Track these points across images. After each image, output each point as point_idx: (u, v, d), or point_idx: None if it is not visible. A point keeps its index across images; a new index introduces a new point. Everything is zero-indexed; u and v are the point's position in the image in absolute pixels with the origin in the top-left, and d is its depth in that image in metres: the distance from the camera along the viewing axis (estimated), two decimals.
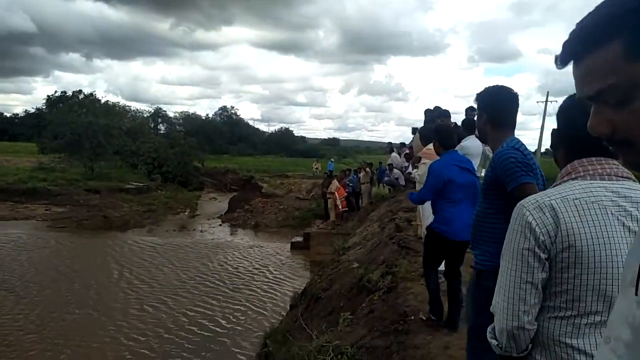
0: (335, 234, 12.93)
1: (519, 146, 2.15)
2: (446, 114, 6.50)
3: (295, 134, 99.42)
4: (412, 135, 10.31)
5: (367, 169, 15.62)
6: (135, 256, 14.13)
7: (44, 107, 38.98)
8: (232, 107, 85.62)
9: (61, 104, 36.89)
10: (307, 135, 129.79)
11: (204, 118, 74.33)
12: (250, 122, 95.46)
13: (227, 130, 72.62)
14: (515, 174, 2.03)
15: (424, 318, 3.77)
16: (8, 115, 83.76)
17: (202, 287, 11.30)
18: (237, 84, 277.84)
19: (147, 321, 9.07)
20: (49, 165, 33.39)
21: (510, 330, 1.27)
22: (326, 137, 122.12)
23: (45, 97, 40.81)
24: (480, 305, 1.88)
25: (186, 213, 26.43)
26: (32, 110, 46.21)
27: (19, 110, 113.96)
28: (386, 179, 15.97)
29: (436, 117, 6.25)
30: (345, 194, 14.65)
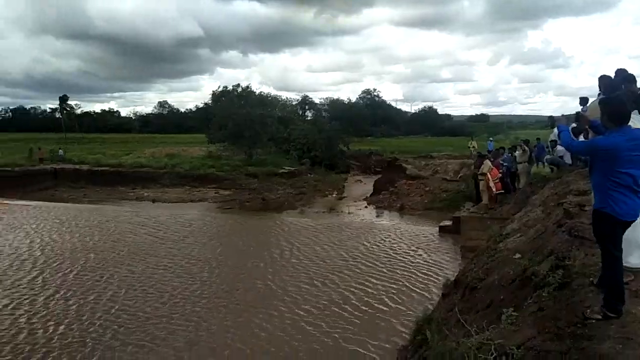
0: (489, 218, 12.06)
1: None
2: (631, 78, 5.43)
3: (440, 112, 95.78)
4: (581, 106, 8.97)
5: (525, 147, 14.17)
6: (296, 235, 15.16)
7: (210, 101, 43.84)
8: (374, 90, 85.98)
9: (223, 98, 41.15)
10: (453, 113, 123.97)
11: (347, 102, 75.83)
12: (393, 103, 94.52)
13: (370, 113, 73.13)
14: None
15: (600, 317, 3.24)
16: (182, 110, 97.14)
17: (361, 265, 11.63)
18: (378, 66, 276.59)
19: (316, 294, 9.69)
20: (216, 154, 37.75)
21: None
22: (473, 114, 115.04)
23: (211, 92, 45.94)
24: None
25: (334, 195, 27.43)
26: (201, 105, 52.28)
27: (191, 105, 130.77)
28: (547, 157, 14.30)
29: (619, 83, 5.24)
30: (500, 174, 13.50)
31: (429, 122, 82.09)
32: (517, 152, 14.70)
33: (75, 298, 9.62)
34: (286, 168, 35.84)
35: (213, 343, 7.83)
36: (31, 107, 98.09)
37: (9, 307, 9.16)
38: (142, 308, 9.10)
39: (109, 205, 23.80)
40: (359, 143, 50.42)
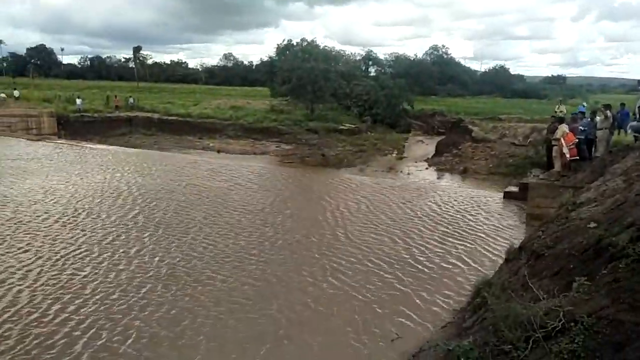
0: (561, 186, 11.48)
1: None
2: None
3: (512, 72, 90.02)
4: None
5: (607, 112, 13.15)
6: (357, 192, 15.32)
7: (274, 55, 43.85)
8: (443, 46, 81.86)
9: (288, 52, 40.98)
10: (526, 73, 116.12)
11: (412, 59, 73.01)
12: (462, 61, 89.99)
13: (436, 71, 70.19)
14: None
15: None
16: (247, 63, 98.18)
17: (422, 226, 11.63)
18: (449, 21, 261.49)
19: (375, 250, 9.90)
20: (279, 108, 38.19)
21: None
22: (549, 75, 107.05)
23: (275, 46, 45.89)
24: None
25: (394, 155, 27.10)
26: (266, 59, 52.49)
27: (255, 59, 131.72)
28: (632, 123, 13.24)
29: None
30: (576, 140, 12.68)
31: (500, 82, 77.58)
32: (597, 117, 13.69)
33: (173, 237, 10.42)
34: (347, 125, 35.67)
35: (295, 281, 8.34)
36: (107, 57, 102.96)
37: (118, 241, 10.08)
38: (237, 248, 9.72)
39: (179, 153, 25.01)
40: (423, 102, 48.89)
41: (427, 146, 31.14)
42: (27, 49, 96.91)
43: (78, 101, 33.90)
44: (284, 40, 44.51)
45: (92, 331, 6.55)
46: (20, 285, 7.83)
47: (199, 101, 43.21)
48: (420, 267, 9.07)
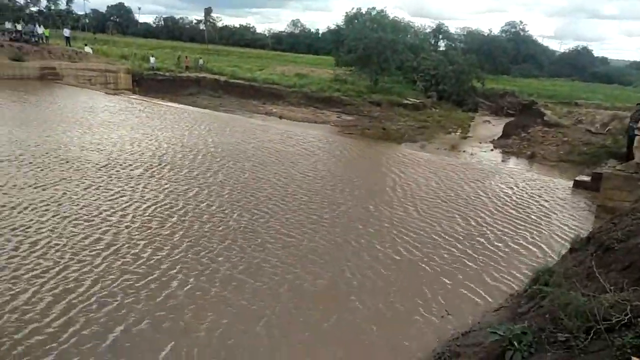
0: None
1: None
2: None
3: (595, 54, 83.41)
4: None
5: None
6: (418, 168, 15.14)
7: (342, 23, 43.21)
8: (521, 22, 77.04)
9: (356, 20, 40.24)
10: (611, 56, 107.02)
11: (486, 35, 69.34)
12: (539, 40, 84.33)
13: (511, 48, 66.41)
14: None
15: None
16: (313, 31, 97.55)
17: (484, 207, 11.36)
18: None
19: (444, 226, 9.87)
20: (342, 78, 37.90)
21: None
22: (637, 60, 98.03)
23: (344, 14, 45.16)
24: None
25: (458, 133, 26.32)
26: (333, 27, 51.85)
27: (323, 26, 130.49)
28: None
29: None
30: None
31: (580, 64, 72.22)
32: None
33: (250, 195, 10.83)
34: (411, 99, 34.91)
35: (365, 248, 8.55)
36: (179, 18, 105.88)
37: (201, 195, 10.70)
38: (311, 212, 10.05)
39: (244, 116, 25.63)
40: (494, 81, 46.69)
41: (493, 127, 29.94)
42: (108, 7, 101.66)
43: (152, 60, 35.39)
44: (352, 9, 43.70)
45: (184, 273, 7.07)
46: (118, 226, 8.51)
47: (265, 66, 43.77)
48: (478, 249, 8.90)
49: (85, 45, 36.35)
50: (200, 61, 39.46)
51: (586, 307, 3.60)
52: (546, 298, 5.15)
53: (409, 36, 44.17)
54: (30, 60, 28.68)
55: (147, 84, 32.15)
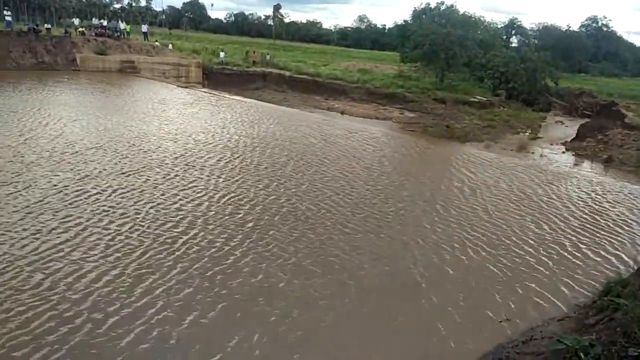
0: None
1: None
2: None
3: None
4: None
5: None
6: (481, 170, 14.72)
7: (410, 18, 42.51)
8: (604, 17, 71.73)
9: (424, 15, 39.43)
10: None
11: (564, 30, 65.30)
12: (624, 36, 78.17)
13: (591, 45, 62.15)
14: None
15: None
16: (379, 26, 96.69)
17: (548, 210, 10.89)
18: None
19: (516, 229, 9.60)
20: (407, 74, 37.33)
21: None
22: None
23: (412, 9, 44.37)
24: None
25: (527, 134, 25.09)
26: (400, 22, 51.11)
27: (389, 22, 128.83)
28: None
29: None
30: None
31: None
32: None
33: (317, 189, 11.15)
34: (477, 97, 33.74)
35: (431, 245, 8.60)
36: (249, 14, 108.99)
37: (271, 187, 11.20)
38: (377, 208, 10.22)
39: (308, 111, 25.98)
40: (569, 79, 44.01)
41: (566, 128, 28.27)
42: (183, 4, 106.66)
43: (221, 54, 36.75)
44: (421, 4, 42.82)
45: (254, 257, 7.53)
46: (194, 212, 9.06)
47: (329, 62, 44.03)
48: (548, 255, 8.54)
49: (170, 42, 38.50)
50: (268, 56, 40.38)
51: None
52: (619, 310, 4.90)
53: (479, 32, 42.59)
54: (112, 54, 30.79)
55: (216, 78, 33.42)
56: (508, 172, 14.58)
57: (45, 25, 34.20)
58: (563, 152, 20.98)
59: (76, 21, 37.05)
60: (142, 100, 21.25)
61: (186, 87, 27.48)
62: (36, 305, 5.82)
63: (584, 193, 12.88)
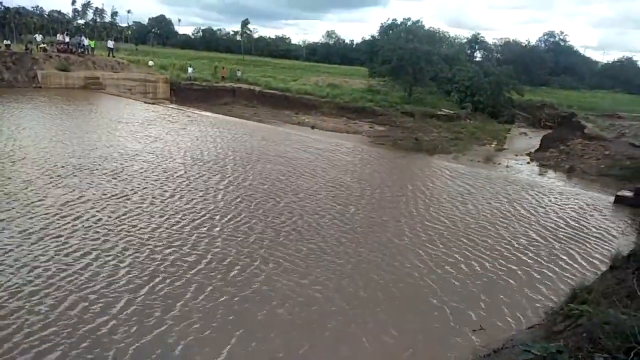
0: None
1: None
2: None
3: None
4: None
5: None
6: (450, 181, 14.95)
7: (377, 34, 43.34)
8: (561, 32, 75.02)
9: (391, 31, 40.27)
10: None
11: (524, 45, 67.89)
12: (581, 50, 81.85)
13: (550, 59, 64.72)
14: None
15: None
16: (348, 42, 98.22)
17: (518, 223, 11.07)
18: (573, 4, 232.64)
19: (479, 242, 9.67)
20: (376, 88, 37.87)
21: None
22: None
23: (379, 25, 45.26)
24: None
25: (493, 145, 25.74)
26: (368, 38, 52.02)
27: (358, 37, 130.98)
28: None
29: None
30: None
31: (624, 76, 69.58)
32: None
33: (302, 201, 11.08)
34: (445, 110, 34.51)
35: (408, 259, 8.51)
36: (217, 29, 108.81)
37: (262, 202, 10.99)
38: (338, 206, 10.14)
39: (281, 127, 25.88)
40: (532, 92, 45.62)
41: (530, 139, 29.17)
42: (149, 19, 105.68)
43: (190, 70, 36.41)
44: (388, 20, 43.90)
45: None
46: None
47: (299, 77, 44.26)
48: (516, 265, 8.65)
49: (151, 60, 37.92)
50: (238, 72, 40.24)
51: (626, 327, 3.45)
52: (584, 317, 4.96)
53: (444, 46, 43.82)
54: (75, 70, 30.01)
55: (184, 94, 33.02)
56: (476, 182, 14.86)
57: (5, 41, 33.08)
58: (528, 163, 21.58)
59: (38, 37, 36.03)
60: (102, 118, 20.63)
61: (154, 103, 27.00)
62: None
63: (546, 202, 13.21)
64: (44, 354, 5.24)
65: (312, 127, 27.87)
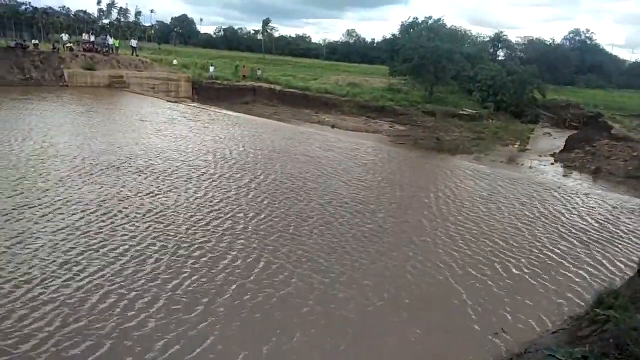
0: None
1: None
2: None
3: None
4: None
5: None
6: (471, 181, 14.81)
7: (398, 33, 43.06)
8: (587, 31, 73.24)
9: (412, 30, 39.97)
10: None
11: (549, 44, 66.51)
12: (609, 49, 79.75)
13: (575, 58, 63.30)
14: None
15: None
16: (369, 40, 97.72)
17: (533, 226, 10.92)
18: (598, 2, 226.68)
19: (504, 242, 9.59)
20: (397, 87, 37.67)
21: None
22: None
23: (400, 23, 44.98)
24: None
25: (516, 146, 25.35)
26: (388, 37, 51.71)
27: (378, 36, 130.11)
28: None
29: None
30: None
31: None
32: None
33: (323, 200, 11.22)
34: (467, 110, 34.14)
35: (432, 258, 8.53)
36: (239, 28, 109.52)
37: (281, 199, 11.16)
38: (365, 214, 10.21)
39: (298, 125, 26.01)
40: (556, 92, 44.70)
41: (554, 140, 28.66)
42: (172, 19, 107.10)
43: (211, 69, 36.82)
44: (409, 18, 43.54)
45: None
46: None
47: (319, 76, 44.28)
48: (540, 268, 8.54)
49: (175, 60, 38.54)
50: (259, 72, 40.49)
51: None
52: (611, 322, 4.90)
53: (466, 45, 43.26)
54: (100, 69, 30.69)
55: (205, 93, 33.42)
56: (498, 184, 14.68)
57: (33, 41, 34.02)
58: (552, 164, 21.22)
59: (65, 37, 36.90)
60: (145, 118, 20.93)
61: (176, 102, 27.42)
62: None
63: (573, 204, 12.97)
64: (74, 347, 5.44)
65: (333, 127, 27.90)
